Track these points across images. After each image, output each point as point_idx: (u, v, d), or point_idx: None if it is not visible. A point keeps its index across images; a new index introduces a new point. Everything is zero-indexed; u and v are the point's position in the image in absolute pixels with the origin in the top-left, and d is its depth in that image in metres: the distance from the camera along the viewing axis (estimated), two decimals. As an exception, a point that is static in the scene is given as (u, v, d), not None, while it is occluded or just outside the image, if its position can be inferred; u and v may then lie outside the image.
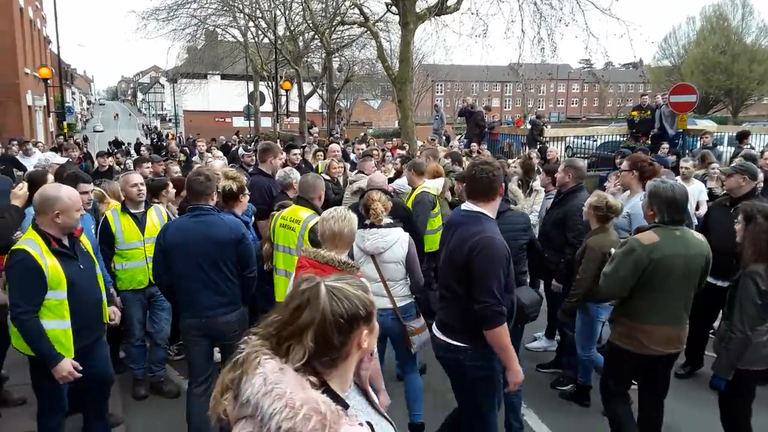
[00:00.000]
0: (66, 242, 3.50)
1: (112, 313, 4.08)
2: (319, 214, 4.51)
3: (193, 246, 3.88)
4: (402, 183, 6.46)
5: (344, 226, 3.38)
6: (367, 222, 4.27)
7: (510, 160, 10.41)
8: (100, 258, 4.28)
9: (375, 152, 9.24)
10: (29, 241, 3.35)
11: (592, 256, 4.42)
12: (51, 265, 3.32)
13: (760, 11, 67.12)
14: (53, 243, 3.39)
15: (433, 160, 6.69)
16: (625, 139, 15.61)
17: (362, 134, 20.75)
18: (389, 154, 11.65)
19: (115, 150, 19.99)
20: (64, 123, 25.28)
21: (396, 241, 4.17)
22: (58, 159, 7.34)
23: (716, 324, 5.37)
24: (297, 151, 8.49)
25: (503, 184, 3.41)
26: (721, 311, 5.16)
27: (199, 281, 3.89)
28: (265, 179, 6.31)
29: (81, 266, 3.54)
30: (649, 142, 13.74)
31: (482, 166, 3.28)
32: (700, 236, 3.68)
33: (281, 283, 4.59)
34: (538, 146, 14.77)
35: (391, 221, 4.29)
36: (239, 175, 4.96)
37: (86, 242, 3.76)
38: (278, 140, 17.49)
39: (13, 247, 3.40)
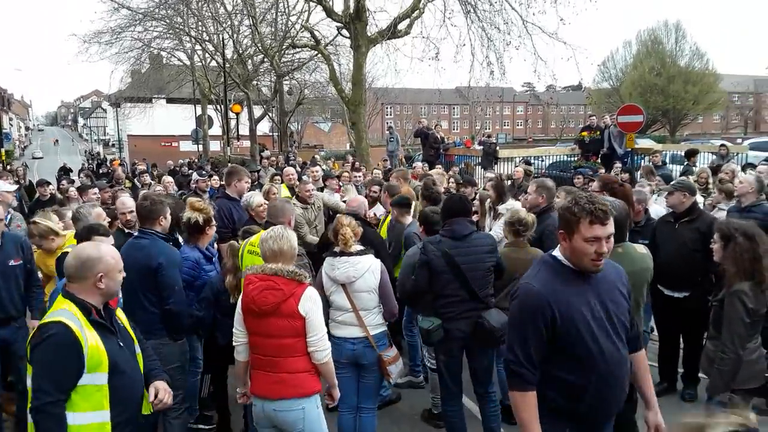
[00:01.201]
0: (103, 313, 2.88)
1: (153, 396, 3.03)
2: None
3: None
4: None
5: (283, 243, 3.39)
6: (337, 249, 4.09)
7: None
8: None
9: (345, 174, 9.10)
10: (64, 312, 2.66)
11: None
12: (92, 341, 2.65)
13: (692, 35, 70.69)
14: (94, 313, 2.74)
15: (404, 182, 6.59)
16: (575, 159, 15.97)
17: (313, 156, 20.55)
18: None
19: (63, 176, 18.98)
20: (1, 150, 24.10)
21: (367, 269, 4.02)
22: (7, 186, 6.88)
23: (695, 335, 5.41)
24: (246, 179, 8.21)
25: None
26: (682, 324, 5.36)
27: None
28: (228, 203, 6.10)
29: (120, 343, 2.85)
30: (600, 161, 14.08)
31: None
32: (642, 249, 3.77)
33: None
34: (494, 167, 14.96)
35: (362, 248, 4.12)
36: (207, 206, 4.77)
37: (122, 315, 3.10)
38: (229, 164, 17.10)
39: (43, 321, 2.71)
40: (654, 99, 47.40)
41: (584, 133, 15.29)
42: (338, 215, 4.50)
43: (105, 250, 2.87)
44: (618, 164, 11.97)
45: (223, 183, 8.13)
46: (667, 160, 17.24)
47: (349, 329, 4.02)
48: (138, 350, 3.03)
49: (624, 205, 3.75)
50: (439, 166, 13.84)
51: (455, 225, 4.19)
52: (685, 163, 11.86)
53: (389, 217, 5.98)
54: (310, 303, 3.26)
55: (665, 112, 49.61)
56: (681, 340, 5.58)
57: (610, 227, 2.53)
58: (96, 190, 7.86)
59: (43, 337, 2.59)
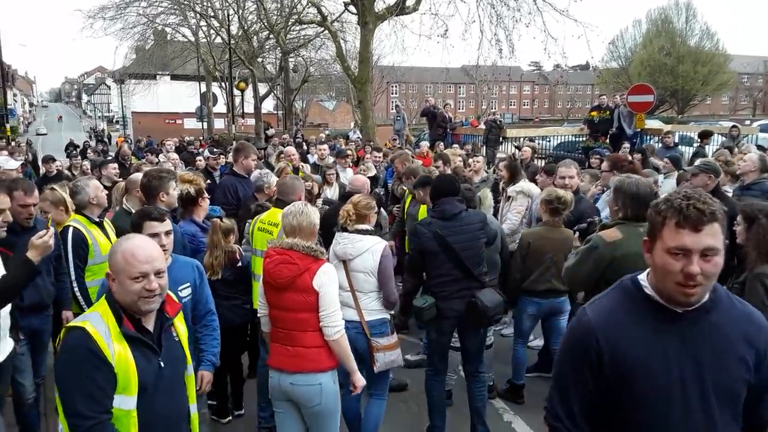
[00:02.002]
0: (150, 325, 2.32)
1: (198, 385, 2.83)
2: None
3: None
4: None
5: (302, 219, 3.38)
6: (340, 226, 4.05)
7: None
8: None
9: (349, 152, 9.03)
10: (93, 316, 2.24)
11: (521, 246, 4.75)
12: (119, 354, 2.17)
13: (703, 14, 70.01)
14: (127, 323, 2.24)
15: (407, 164, 6.51)
16: (583, 139, 15.83)
17: (321, 135, 20.47)
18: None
19: (74, 151, 18.82)
20: (6, 126, 24.07)
21: (366, 250, 3.91)
22: (12, 164, 6.79)
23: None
24: (254, 156, 8.15)
25: None
26: None
27: None
28: (233, 179, 6.05)
29: (162, 363, 2.30)
30: (608, 142, 13.94)
31: None
32: None
33: (259, 289, 4.32)
34: (499, 146, 14.84)
35: (367, 228, 4.00)
36: (197, 177, 4.74)
37: (182, 329, 2.54)
38: (234, 142, 17.03)
39: (68, 325, 2.28)
40: (663, 79, 46.95)
41: (594, 113, 15.10)
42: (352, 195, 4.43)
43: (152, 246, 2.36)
44: (626, 144, 11.84)
45: (229, 161, 8.08)
46: (677, 140, 17.17)
47: (346, 311, 3.85)
48: (190, 372, 2.56)
49: (649, 182, 3.70)
50: (442, 145, 13.73)
51: (445, 205, 4.20)
52: (697, 145, 11.71)
53: (409, 198, 5.93)
54: (324, 278, 3.25)
55: (674, 93, 49.21)
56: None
57: (708, 238, 1.71)
58: (115, 165, 7.82)
59: (61, 347, 2.21)
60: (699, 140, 11.46)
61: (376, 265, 3.90)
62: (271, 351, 3.44)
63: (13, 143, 19.66)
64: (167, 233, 3.22)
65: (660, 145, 12.30)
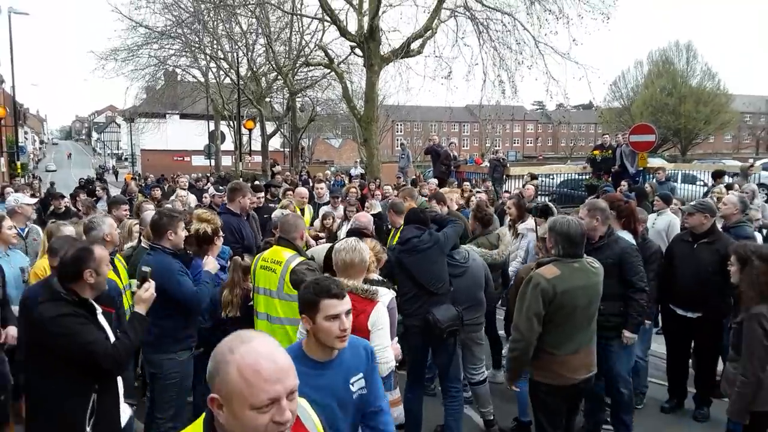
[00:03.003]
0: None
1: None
2: (301, 255, 4.36)
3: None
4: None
5: (354, 256, 3.48)
6: None
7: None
8: None
9: (353, 189, 9.14)
10: None
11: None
12: None
13: (703, 55, 70.89)
14: None
15: (411, 200, 6.62)
16: (586, 177, 15.99)
17: (327, 172, 20.68)
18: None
19: (89, 187, 18.91)
20: (17, 163, 24.48)
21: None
22: (27, 199, 6.95)
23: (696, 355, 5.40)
24: (260, 194, 8.29)
25: None
26: (692, 343, 5.36)
27: None
28: (234, 218, 6.17)
29: None
30: (611, 180, 14.08)
31: None
32: (597, 264, 3.86)
33: (262, 327, 4.34)
34: (503, 184, 14.99)
35: (378, 278, 3.97)
36: (213, 217, 4.80)
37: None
38: (240, 179, 17.24)
39: None
40: (665, 118, 47.38)
41: (596, 152, 15.31)
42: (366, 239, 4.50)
43: None
44: (624, 183, 11.98)
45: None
46: (679, 180, 17.30)
47: None
48: None
49: (581, 223, 3.91)
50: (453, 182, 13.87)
51: (404, 231, 4.74)
52: (711, 184, 11.90)
53: (398, 234, 6.00)
54: (377, 317, 3.39)
55: (676, 132, 49.55)
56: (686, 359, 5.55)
57: None
58: (126, 206, 7.87)
59: None
60: (713, 180, 11.63)
61: (387, 319, 3.72)
62: None
63: (35, 181, 20.03)
64: (347, 313, 2.51)
65: (653, 180, 12.61)
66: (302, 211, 7.90)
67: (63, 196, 11.05)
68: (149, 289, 3.34)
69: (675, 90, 49.06)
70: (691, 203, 5.85)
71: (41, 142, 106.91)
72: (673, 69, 50.87)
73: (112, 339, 3.13)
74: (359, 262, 3.50)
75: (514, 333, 3.75)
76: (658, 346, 6.11)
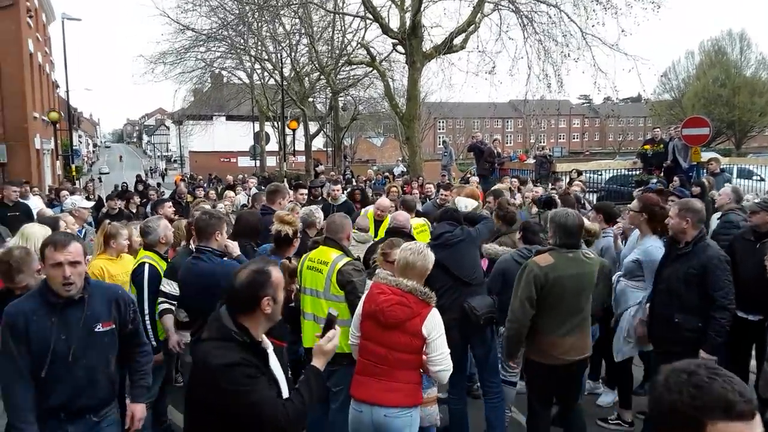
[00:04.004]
0: None
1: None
2: (348, 255, 4.36)
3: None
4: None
5: (418, 259, 3.52)
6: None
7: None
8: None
9: (393, 188, 9.12)
10: None
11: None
12: None
13: (757, 44, 68.15)
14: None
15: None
16: (636, 173, 15.53)
17: (369, 171, 20.73)
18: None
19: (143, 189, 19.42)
20: (72, 166, 25.40)
21: None
22: (85, 203, 7.28)
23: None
24: (304, 190, 8.36)
25: None
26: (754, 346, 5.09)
27: None
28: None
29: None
30: (662, 175, 13.63)
31: None
32: (593, 255, 4.03)
33: (309, 328, 4.37)
34: (550, 181, 14.69)
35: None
36: (295, 219, 4.82)
37: None
38: (284, 179, 17.49)
39: None
40: (718, 111, 45.73)
41: (647, 147, 14.85)
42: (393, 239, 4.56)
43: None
44: (677, 178, 11.55)
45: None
46: (734, 174, 16.57)
47: None
48: None
49: (578, 217, 4.09)
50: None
51: (436, 228, 4.94)
52: None
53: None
54: (433, 324, 3.41)
55: (730, 124, 47.74)
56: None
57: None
58: (170, 203, 8.19)
59: None
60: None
61: (441, 325, 3.74)
62: (360, 384, 3.52)
63: (89, 183, 20.77)
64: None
65: (705, 173, 11.96)
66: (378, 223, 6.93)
67: (124, 195, 11.41)
68: (333, 339, 2.63)
69: (728, 81, 47.31)
70: (755, 200, 5.59)
71: (94, 145, 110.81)
72: (726, 59, 49.04)
73: (284, 388, 2.55)
74: (420, 267, 3.52)
75: (510, 315, 4.06)
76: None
